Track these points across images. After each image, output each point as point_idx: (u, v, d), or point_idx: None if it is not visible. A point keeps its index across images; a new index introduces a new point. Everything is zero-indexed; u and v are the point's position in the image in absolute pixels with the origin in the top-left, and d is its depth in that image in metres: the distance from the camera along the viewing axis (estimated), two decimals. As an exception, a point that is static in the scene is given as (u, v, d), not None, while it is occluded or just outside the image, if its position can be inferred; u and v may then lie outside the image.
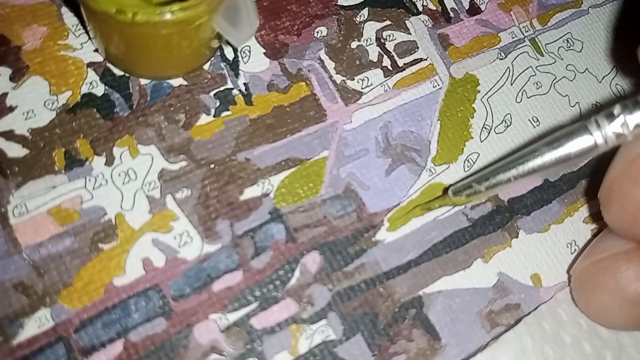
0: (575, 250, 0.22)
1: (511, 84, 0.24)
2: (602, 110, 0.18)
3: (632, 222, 0.18)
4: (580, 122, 0.18)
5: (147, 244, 0.19)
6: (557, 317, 0.21)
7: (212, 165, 0.20)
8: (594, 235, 0.22)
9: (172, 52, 0.20)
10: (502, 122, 0.23)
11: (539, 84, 0.25)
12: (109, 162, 0.20)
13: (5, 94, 0.20)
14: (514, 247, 0.22)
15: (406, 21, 0.24)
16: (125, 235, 0.19)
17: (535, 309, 0.21)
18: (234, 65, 0.22)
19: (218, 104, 0.21)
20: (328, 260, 0.20)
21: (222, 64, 0.22)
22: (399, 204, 0.21)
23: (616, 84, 0.26)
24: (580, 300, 0.21)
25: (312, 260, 0.20)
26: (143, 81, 0.21)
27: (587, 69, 0.25)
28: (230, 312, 0.19)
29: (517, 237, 0.22)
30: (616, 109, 0.17)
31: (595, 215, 0.23)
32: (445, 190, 0.22)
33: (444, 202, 0.21)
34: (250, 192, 0.20)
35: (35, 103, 0.20)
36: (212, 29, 0.19)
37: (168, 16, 0.18)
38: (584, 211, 0.23)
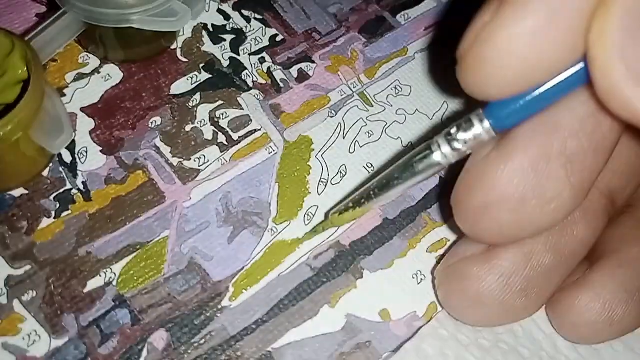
0: (421, 279, 0.23)
1: (343, 138, 0.26)
2: (442, 131, 0.20)
3: (473, 226, 0.20)
4: (425, 144, 0.20)
5: (-3, 350, 0.20)
6: (424, 354, 0.22)
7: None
8: (439, 262, 0.24)
9: (2, 167, 0.21)
10: (337, 173, 0.25)
11: (370, 132, 0.27)
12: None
13: None
14: (359, 288, 0.23)
15: (238, 98, 0.26)
16: (-31, 347, 0.20)
17: (399, 349, 0.22)
18: (72, 167, 0.23)
19: (58, 205, 0.23)
20: (175, 336, 0.21)
21: (61, 168, 0.23)
22: (243, 268, 0.23)
23: (447, 118, 0.28)
24: (442, 300, 0.22)
25: (160, 338, 0.21)
26: (-14, 197, 0.23)
27: (417, 109, 0.28)
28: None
29: (362, 277, 0.23)
30: (453, 129, 0.19)
31: (438, 243, 0.24)
32: (327, 214, 0.24)
33: (327, 225, 0.23)
34: (93, 284, 0.21)
35: None
36: (32, 141, 0.21)
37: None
38: (426, 242, 0.24)
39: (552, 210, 0.18)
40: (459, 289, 0.21)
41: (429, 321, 0.22)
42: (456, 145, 0.19)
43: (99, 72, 0.26)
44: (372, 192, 0.21)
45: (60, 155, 0.24)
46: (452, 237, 0.24)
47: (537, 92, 0.17)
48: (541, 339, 0.22)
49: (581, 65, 0.16)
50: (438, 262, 0.24)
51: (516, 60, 0.16)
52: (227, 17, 0.29)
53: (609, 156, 0.19)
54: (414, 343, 0.22)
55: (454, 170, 0.21)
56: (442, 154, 0.19)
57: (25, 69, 0.21)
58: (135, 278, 0.22)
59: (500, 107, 0.18)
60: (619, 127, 0.18)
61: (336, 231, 0.24)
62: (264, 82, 0.27)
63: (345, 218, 0.22)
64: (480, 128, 0.18)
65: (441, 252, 0.24)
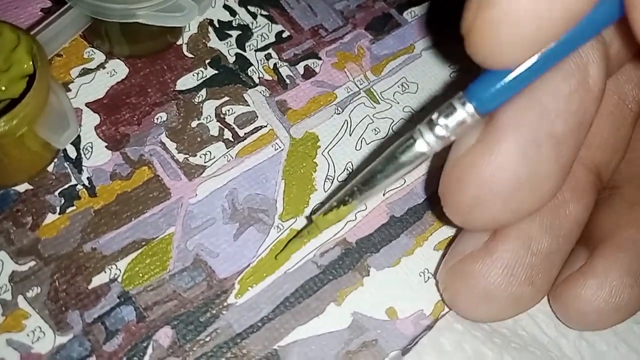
0: (428, 277, 0.23)
1: (350, 135, 0.26)
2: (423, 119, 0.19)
3: (465, 219, 0.20)
4: (408, 133, 0.19)
5: (2, 345, 0.20)
6: (441, 348, 0.22)
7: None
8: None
9: (7, 162, 0.21)
10: (344, 170, 0.25)
11: (377, 129, 0.26)
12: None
13: None
14: (366, 285, 0.23)
15: (244, 94, 0.26)
16: (-25, 342, 0.20)
17: (406, 347, 0.22)
18: (77, 163, 0.23)
19: (63, 201, 0.22)
20: (181, 333, 0.21)
21: (66, 163, 0.23)
22: (249, 265, 0.22)
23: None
24: (449, 302, 0.22)
25: (165, 335, 0.21)
26: (-9, 192, 0.22)
27: (424, 107, 0.28)
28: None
29: (368, 275, 0.23)
30: (434, 115, 0.18)
31: (445, 241, 0.24)
32: (310, 218, 0.23)
33: (313, 229, 0.22)
34: (98, 280, 0.21)
35: None
36: (37, 136, 0.21)
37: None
38: (433, 239, 0.24)
39: (543, 194, 0.18)
40: (465, 289, 0.21)
41: (436, 319, 0.22)
42: (439, 132, 0.18)
43: (104, 67, 0.26)
44: (356, 189, 0.20)
45: (65, 150, 0.23)
46: (460, 235, 0.24)
47: (519, 69, 0.17)
48: (546, 342, 0.22)
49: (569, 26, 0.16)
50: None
51: (526, 13, 0.15)
52: (233, 13, 0.28)
53: (588, 130, 0.18)
54: (431, 337, 0.21)
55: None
56: (425, 142, 0.18)
57: (31, 63, 0.21)
58: (141, 275, 0.21)
59: (482, 88, 0.17)
60: (599, 98, 0.18)
61: (342, 228, 0.24)
62: (270, 78, 0.27)
63: (330, 219, 0.21)
64: (464, 112, 0.18)
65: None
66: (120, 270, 0.21)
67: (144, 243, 0.22)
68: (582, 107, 0.18)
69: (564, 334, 0.22)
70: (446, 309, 0.22)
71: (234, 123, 0.25)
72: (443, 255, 0.24)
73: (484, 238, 0.21)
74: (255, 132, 0.25)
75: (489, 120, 0.18)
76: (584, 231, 0.21)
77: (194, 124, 0.25)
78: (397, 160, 0.19)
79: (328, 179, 0.25)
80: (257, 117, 0.26)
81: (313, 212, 0.23)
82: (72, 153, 0.24)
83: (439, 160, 0.21)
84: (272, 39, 0.28)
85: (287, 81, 0.27)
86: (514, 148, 0.18)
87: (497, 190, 0.18)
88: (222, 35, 0.28)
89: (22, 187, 0.23)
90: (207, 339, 0.21)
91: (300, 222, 0.23)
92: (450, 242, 0.24)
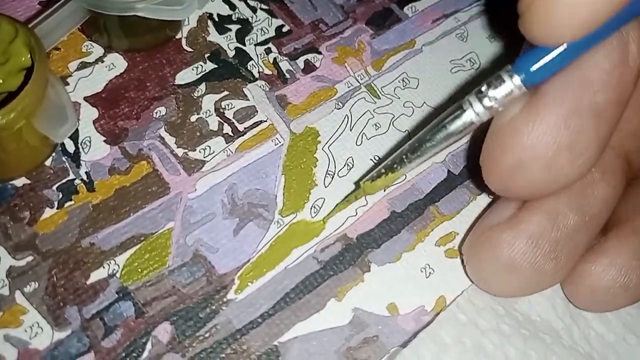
0: (430, 273, 0.23)
1: (350, 130, 0.26)
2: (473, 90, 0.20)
3: (504, 185, 0.20)
4: (457, 103, 0.20)
5: (-1, 341, 0.20)
6: (440, 341, 0.21)
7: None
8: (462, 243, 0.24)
9: (4, 156, 0.21)
10: (344, 165, 0.25)
11: (377, 125, 0.26)
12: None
13: None
14: (366, 281, 0.22)
15: (244, 89, 0.26)
16: (-29, 338, 0.19)
17: (407, 343, 0.21)
18: (75, 157, 0.23)
19: (61, 196, 0.22)
20: (180, 329, 0.21)
21: (64, 158, 0.23)
22: (249, 261, 0.22)
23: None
24: (472, 273, 0.22)
25: (164, 331, 0.20)
26: (-12, 187, 0.22)
27: (424, 102, 0.27)
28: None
29: (369, 270, 0.23)
30: (483, 87, 0.19)
31: (447, 237, 0.24)
32: (357, 183, 0.24)
33: (360, 194, 0.23)
34: (97, 275, 0.21)
35: None
36: (35, 130, 0.21)
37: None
38: (435, 235, 0.24)
39: (581, 163, 0.19)
40: (490, 258, 0.21)
41: (438, 313, 0.22)
42: (487, 102, 0.19)
43: (102, 61, 0.25)
44: (404, 157, 0.21)
45: (63, 144, 0.23)
46: (461, 230, 0.24)
47: (564, 45, 0.18)
48: (560, 329, 0.22)
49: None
50: (447, 254, 0.24)
51: None
52: (232, 7, 0.28)
53: (625, 107, 0.19)
54: (431, 330, 0.21)
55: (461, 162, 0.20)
56: (474, 112, 0.20)
57: (29, 56, 0.21)
58: (140, 270, 0.21)
59: (530, 63, 0.18)
60: (637, 76, 0.19)
61: (343, 224, 0.23)
62: (269, 72, 0.27)
63: (378, 185, 0.22)
64: (511, 84, 0.19)
65: (450, 245, 0.24)
66: (118, 266, 0.21)
67: (142, 238, 0.22)
68: (621, 82, 0.19)
69: (576, 321, 0.22)
70: (448, 304, 0.22)
71: (233, 118, 0.25)
72: (445, 251, 0.24)
73: (511, 211, 0.21)
74: (255, 126, 0.25)
75: (533, 91, 0.19)
76: None
77: (193, 118, 0.25)
78: (445, 129, 0.20)
79: (328, 174, 0.25)
80: (257, 111, 0.26)
81: (361, 178, 0.24)
82: (70, 147, 0.23)
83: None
84: (272, 33, 0.28)
85: (287, 76, 0.27)
86: (557, 116, 0.19)
87: (538, 156, 0.19)
88: (221, 29, 0.27)
89: (20, 182, 0.22)
90: (207, 335, 0.21)
91: (300, 217, 0.23)
92: (454, 238, 0.24)
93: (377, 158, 0.25)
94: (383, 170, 0.21)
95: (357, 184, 0.24)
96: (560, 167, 0.19)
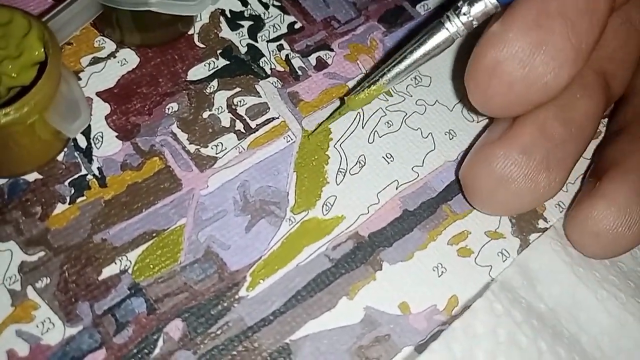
0: (442, 272, 0.23)
1: (362, 127, 0.26)
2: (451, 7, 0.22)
3: (485, 92, 0.21)
4: (436, 20, 0.22)
5: (11, 336, 0.20)
6: (472, 331, 0.21)
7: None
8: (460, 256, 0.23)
9: (16, 150, 0.21)
10: (356, 163, 0.25)
11: (390, 122, 0.26)
12: (-36, 264, 0.20)
13: None
14: (378, 280, 0.22)
15: (256, 85, 0.26)
16: (-15, 332, 0.19)
17: (420, 342, 0.21)
18: (87, 152, 0.23)
19: (73, 191, 0.22)
20: (192, 325, 0.20)
21: (76, 153, 0.23)
22: (260, 258, 0.22)
23: (467, 111, 0.27)
24: (468, 188, 0.23)
25: (176, 328, 0.20)
26: (0, 181, 0.22)
27: (437, 100, 0.27)
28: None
29: (381, 269, 0.23)
30: (460, 3, 0.21)
31: (459, 236, 0.24)
32: (342, 99, 0.25)
33: (344, 110, 0.24)
34: (109, 271, 0.21)
35: None
36: (48, 124, 0.21)
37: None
38: (447, 234, 0.24)
39: (556, 67, 0.20)
40: (485, 172, 0.22)
41: (451, 317, 0.22)
42: (464, 18, 0.21)
43: (115, 57, 0.25)
44: (387, 69, 0.23)
45: (75, 140, 0.23)
46: (474, 229, 0.24)
47: None
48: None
49: None
50: (459, 254, 0.23)
51: None
52: (245, 3, 0.28)
53: (602, 28, 0.20)
54: (464, 320, 0.21)
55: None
56: (452, 26, 0.22)
57: (42, 50, 0.21)
58: (151, 266, 0.21)
59: None
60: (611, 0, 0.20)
61: (355, 221, 0.23)
62: (282, 69, 0.27)
63: (362, 98, 0.23)
64: (487, 1, 0.21)
65: (462, 244, 0.24)
66: (130, 262, 0.21)
67: (154, 234, 0.22)
68: None
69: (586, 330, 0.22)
70: (461, 304, 0.22)
71: (245, 114, 0.25)
72: (457, 251, 0.24)
73: (503, 130, 0.22)
74: (267, 123, 0.25)
75: (507, 6, 0.21)
76: (594, 165, 0.24)
77: (205, 114, 0.25)
78: (425, 44, 0.22)
79: (340, 171, 0.24)
80: (269, 108, 0.25)
81: (346, 94, 0.25)
82: (82, 143, 0.23)
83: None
84: (284, 30, 0.28)
85: (299, 72, 0.27)
86: (528, 17, 0.20)
87: (514, 53, 0.20)
88: (233, 26, 0.27)
89: (32, 177, 0.22)
90: (219, 332, 0.21)
91: (312, 214, 0.23)
92: (467, 237, 0.24)
93: (389, 156, 0.25)
94: (366, 84, 0.23)
95: (342, 99, 0.26)
96: (536, 67, 0.20)
